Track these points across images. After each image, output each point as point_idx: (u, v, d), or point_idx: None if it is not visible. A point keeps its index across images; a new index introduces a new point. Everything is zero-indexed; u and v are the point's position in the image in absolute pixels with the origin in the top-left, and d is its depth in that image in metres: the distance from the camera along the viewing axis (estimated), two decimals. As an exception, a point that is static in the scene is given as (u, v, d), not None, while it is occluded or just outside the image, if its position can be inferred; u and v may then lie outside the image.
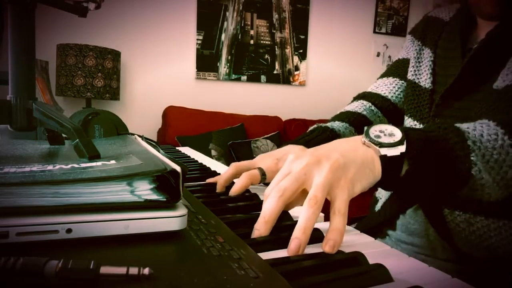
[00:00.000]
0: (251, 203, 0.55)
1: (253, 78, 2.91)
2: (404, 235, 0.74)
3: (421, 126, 0.74)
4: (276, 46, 2.95)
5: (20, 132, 0.54)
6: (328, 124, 0.77)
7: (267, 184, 0.61)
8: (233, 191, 0.57)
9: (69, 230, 0.31)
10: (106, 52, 2.16)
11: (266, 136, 2.62)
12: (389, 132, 0.45)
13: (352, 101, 0.89)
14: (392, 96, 0.85)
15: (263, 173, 0.60)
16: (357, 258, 0.35)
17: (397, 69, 0.87)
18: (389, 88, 0.86)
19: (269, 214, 0.40)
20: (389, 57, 3.35)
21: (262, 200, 0.56)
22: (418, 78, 0.79)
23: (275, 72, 2.97)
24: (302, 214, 0.38)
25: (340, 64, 3.21)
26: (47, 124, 0.51)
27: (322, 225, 0.45)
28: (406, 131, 0.45)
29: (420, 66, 0.80)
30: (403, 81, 0.85)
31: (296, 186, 0.40)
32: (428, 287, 0.31)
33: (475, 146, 0.45)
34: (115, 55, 2.22)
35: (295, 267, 0.33)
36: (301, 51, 3.03)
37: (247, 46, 2.86)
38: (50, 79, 2.16)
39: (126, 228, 0.32)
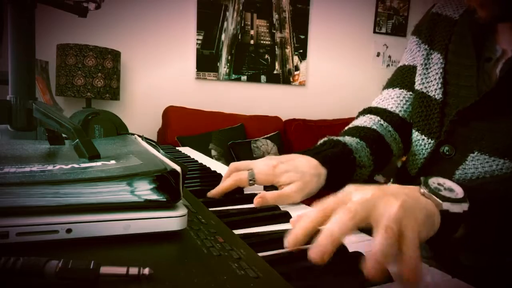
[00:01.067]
0: (251, 203, 0.55)
1: (253, 78, 2.91)
2: None
3: (430, 141, 0.69)
4: (276, 46, 2.95)
5: (20, 132, 0.54)
6: (340, 138, 0.70)
7: (269, 187, 0.61)
8: (213, 193, 0.57)
9: (69, 230, 0.31)
10: (106, 52, 2.16)
11: (266, 136, 2.62)
12: (448, 187, 0.43)
13: (358, 116, 0.83)
14: (400, 111, 0.78)
15: (252, 178, 0.58)
16: (357, 258, 0.35)
17: (403, 78, 0.79)
18: (396, 101, 0.79)
19: (338, 231, 0.34)
20: (389, 57, 3.35)
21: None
22: (426, 88, 0.71)
23: (275, 72, 2.97)
24: (378, 242, 0.33)
25: (340, 64, 3.21)
26: (47, 124, 0.51)
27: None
28: (469, 190, 0.43)
29: (429, 73, 0.72)
30: (411, 92, 0.77)
31: (364, 215, 0.36)
32: (428, 287, 0.31)
33: None
34: (115, 55, 2.22)
35: (295, 267, 0.33)
36: (301, 51, 3.03)
37: (247, 46, 2.86)
38: (50, 79, 2.16)
39: (126, 228, 0.32)
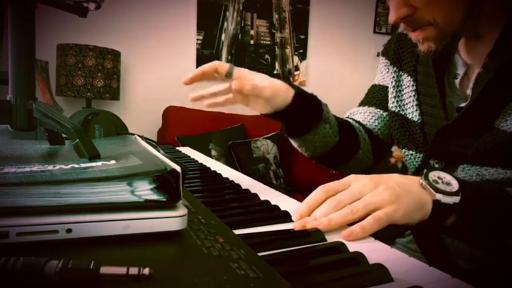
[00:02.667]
0: (251, 203, 0.55)
1: (253, 78, 2.91)
2: (411, 243, 0.74)
3: (419, 155, 0.71)
4: (276, 46, 2.95)
5: (20, 132, 0.54)
6: (323, 103, 0.77)
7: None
8: (192, 76, 0.69)
9: (69, 230, 0.31)
10: (106, 52, 2.16)
11: (266, 136, 2.62)
12: (447, 181, 0.49)
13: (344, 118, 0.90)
14: (373, 128, 0.84)
15: (231, 69, 0.65)
16: (357, 258, 0.35)
17: (372, 97, 0.85)
18: (363, 116, 0.85)
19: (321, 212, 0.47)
20: (389, 57, 3.35)
21: (261, 200, 0.56)
22: (404, 110, 0.74)
23: (275, 72, 2.97)
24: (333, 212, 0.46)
25: (340, 64, 3.21)
26: (47, 124, 0.50)
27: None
28: (463, 185, 0.49)
29: (403, 95, 0.74)
30: (378, 109, 0.83)
31: (349, 201, 0.47)
32: (428, 287, 0.31)
33: None
34: (115, 55, 2.22)
35: (295, 267, 0.33)
36: (301, 51, 3.03)
37: (247, 46, 2.86)
38: (50, 79, 2.15)
39: (126, 228, 0.32)
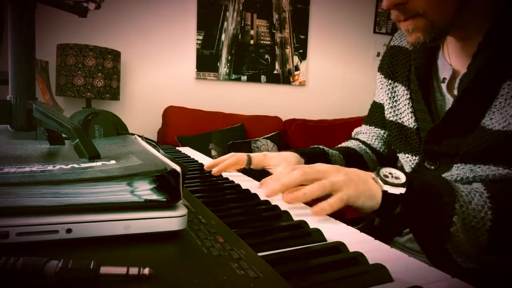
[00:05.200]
0: (251, 203, 0.55)
1: (253, 78, 2.91)
2: (409, 242, 0.75)
3: (414, 157, 0.74)
4: (276, 46, 2.95)
5: (20, 132, 0.54)
6: (322, 147, 0.85)
7: (261, 178, 0.71)
8: (212, 165, 0.75)
9: (69, 230, 0.31)
10: (106, 52, 2.16)
11: (266, 136, 2.62)
12: (396, 175, 0.54)
13: (348, 139, 0.98)
14: (370, 143, 0.92)
15: (249, 159, 0.75)
16: (357, 258, 0.35)
17: (372, 116, 0.92)
18: (367, 136, 0.93)
19: (288, 181, 0.54)
20: (389, 57, 3.35)
21: (261, 201, 0.57)
22: (400, 119, 0.78)
23: (275, 72, 2.97)
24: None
25: (340, 64, 3.21)
26: (47, 124, 0.50)
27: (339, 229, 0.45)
28: (410, 179, 0.53)
29: (399, 105, 0.78)
30: (377, 129, 0.91)
31: (315, 178, 0.54)
32: (428, 287, 0.31)
33: (460, 210, 0.51)
34: (115, 55, 2.22)
35: (295, 267, 0.33)
36: (301, 51, 3.03)
37: (247, 46, 2.86)
38: (50, 79, 2.15)
39: (126, 228, 0.32)
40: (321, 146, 0.85)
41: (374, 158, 0.91)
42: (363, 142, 0.93)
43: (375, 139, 0.92)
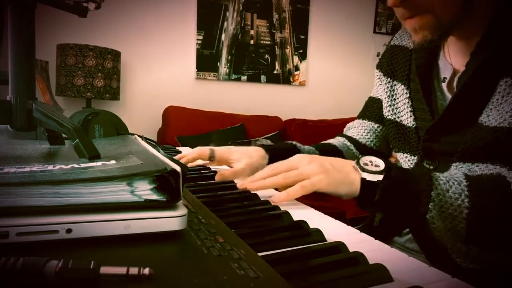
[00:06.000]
0: (251, 203, 0.55)
1: (253, 78, 2.91)
2: (408, 242, 0.74)
3: (413, 157, 0.74)
4: (276, 46, 2.95)
5: (20, 132, 0.54)
6: (296, 143, 0.85)
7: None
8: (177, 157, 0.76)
9: (69, 230, 0.31)
10: (106, 52, 2.16)
11: (266, 136, 2.62)
12: (376, 164, 0.55)
13: (336, 136, 0.96)
14: (366, 141, 0.90)
15: (212, 154, 0.76)
16: (357, 258, 0.35)
17: (367, 111, 0.91)
18: (356, 130, 0.91)
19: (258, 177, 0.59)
20: (389, 57, 3.35)
21: (261, 201, 0.57)
22: (399, 117, 0.77)
23: (275, 72, 2.97)
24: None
25: (340, 64, 3.21)
26: (47, 124, 0.50)
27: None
28: (389, 167, 0.54)
29: (398, 103, 0.78)
30: (370, 122, 0.89)
31: (284, 170, 0.57)
32: (428, 287, 0.31)
33: (436, 198, 0.52)
34: (115, 55, 2.22)
35: (295, 267, 0.33)
36: (301, 51, 3.03)
37: (247, 46, 2.86)
38: (50, 79, 2.15)
39: (126, 228, 0.32)
40: (294, 142, 0.85)
41: (357, 155, 0.89)
42: (350, 138, 0.91)
43: (366, 133, 0.90)
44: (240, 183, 0.59)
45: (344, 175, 0.55)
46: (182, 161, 0.76)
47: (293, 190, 0.54)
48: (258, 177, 0.58)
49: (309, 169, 0.55)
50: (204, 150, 0.76)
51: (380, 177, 0.53)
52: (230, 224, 0.41)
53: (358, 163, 0.55)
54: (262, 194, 0.60)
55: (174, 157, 0.74)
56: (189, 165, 0.78)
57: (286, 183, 0.55)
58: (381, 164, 0.55)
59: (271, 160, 0.75)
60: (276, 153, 0.77)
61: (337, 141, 0.92)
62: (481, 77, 0.61)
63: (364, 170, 0.54)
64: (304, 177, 0.54)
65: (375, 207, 0.54)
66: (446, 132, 0.67)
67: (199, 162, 0.78)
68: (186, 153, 0.79)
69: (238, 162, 0.74)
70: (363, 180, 0.54)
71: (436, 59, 0.72)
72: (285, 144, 0.84)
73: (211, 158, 0.76)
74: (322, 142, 0.92)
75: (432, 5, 0.57)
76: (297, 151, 0.82)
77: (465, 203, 0.51)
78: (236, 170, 0.73)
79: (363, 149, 0.90)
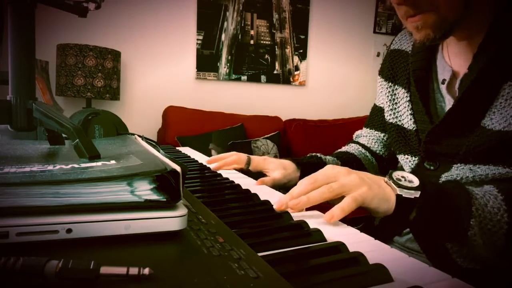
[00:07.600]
0: (251, 203, 0.55)
1: (253, 78, 2.91)
2: (409, 242, 0.75)
3: (414, 158, 0.74)
4: (276, 46, 2.95)
5: (20, 132, 0.54)
6: (319, 155, 0.86)
7: (255, 175, 0.77)
8: (212, 160, 0.80)
9: (69, 230, 0.31)
10: (106, 52, 2.16)
11: (266, 136, 2.62)
12: (409, 179, 0.53)
13: (347, 143, 0.98)
14: (375, 149, 0.92)
15: (249, 160, 0.78)
16: (357, 258, 0.35)
17: (373, 119, 0.92)
18: (367, 139, 0.94)
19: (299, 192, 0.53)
20: (389, 57, 3.35)
21: (261, 201, 0.56)
22: (400, 121, 0.77)
23: (275, 72, 2.97)
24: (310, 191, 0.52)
25: (340, 64, 3.21)
26: (47, 124, 0.50)
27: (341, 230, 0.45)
28: (423, 182, 0.52)
29: (399, 107, 0.78)
30: (377, 132, 0.92)
31: (324, 182, 0.52)
32: (428, 287, 0.31)
33: (477, 213, 0.50)
34: (115, 55, 2.22)
35: (295, 267, 0.33)
36: (301, 51, 3.03)
37: (247, 46, 2.86)
38: (50, 79, 2.15)
39: (126, 228, 0.32)
40: (318, 154, 0.86)
41: (373, 162, 0.91)
42: (363, 146, 0.93)
43: (375, 142, 0.92)
44: (279, 205, 0.51)
45: (382, 191, 0.51)
46: (219, 163, 0.80)
47: (347, 205, 0.48)
48: (298, 193, 0.52)
49: (351, 181, 0.51)
50: (242, 156, 0.78)
51: (416, 194, 0.50)
52: (230, 224, 0.41)
53: (391, 178, 0.52)
54: (262, 194, 0.59)
55: (210, 158, 0.84)
56: (225, 168, 0.80)
57: (332, 196, 0.51)
58: (414, 179, 0.52)
59: (303, 174, 0.77)
60: (307, 167, 0.79)
61: (353, 149, 0.93)
62: (485, 80, 0.60)
63: (399, 186, 0.51)
64: (347, 189, 0.51)
65: (409, 226, 0.53)
66: (447, 134, 0.67)
67: (235, 166, 0.81)
68: (222, 154, 0.81)
69: (273, 171, 0.77)
70: (399, 196, 0.51)
71: (433, 61, 0.72)
72: (311, 158, 0.85)
73: (247, 165, 0.78)
74: (339, 150, 0.94)
75: (436, 3, 0.57)
76: (324, 163, 0.82)
77: (505, 218, 0.50)
78: (275, 178, 0.76)
79: (376, 158, 0.92)
